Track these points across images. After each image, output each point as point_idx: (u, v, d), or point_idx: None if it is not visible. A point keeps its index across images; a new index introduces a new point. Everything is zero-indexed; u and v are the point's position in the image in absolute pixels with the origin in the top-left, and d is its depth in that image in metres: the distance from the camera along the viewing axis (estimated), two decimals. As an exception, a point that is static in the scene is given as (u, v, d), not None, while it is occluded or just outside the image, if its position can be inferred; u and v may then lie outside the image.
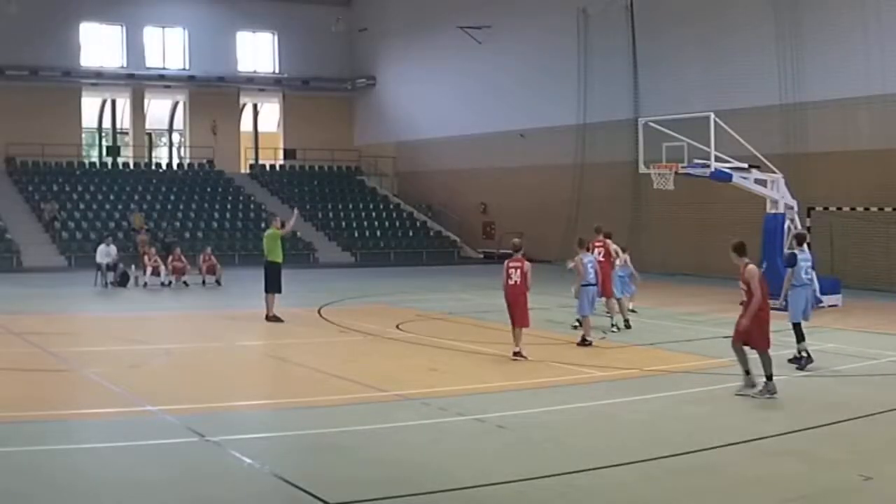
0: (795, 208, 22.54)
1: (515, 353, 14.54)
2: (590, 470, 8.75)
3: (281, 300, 20.54)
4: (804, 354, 14.25)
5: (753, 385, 11.99)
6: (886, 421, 10.86)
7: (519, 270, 14.70)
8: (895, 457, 9.52)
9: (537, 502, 8.06)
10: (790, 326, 17.49)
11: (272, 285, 19.32)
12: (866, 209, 26.12)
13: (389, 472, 8.64)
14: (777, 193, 22.25)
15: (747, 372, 12.00)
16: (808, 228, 24.46)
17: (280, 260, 19.60)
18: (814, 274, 15.17)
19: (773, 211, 22.19)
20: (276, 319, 19.04)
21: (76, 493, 8.05)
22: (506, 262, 15.00)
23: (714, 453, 9.33)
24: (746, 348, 12.14)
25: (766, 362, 11.98)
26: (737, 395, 11.98)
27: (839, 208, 26.37)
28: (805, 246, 15.21)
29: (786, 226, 22.13)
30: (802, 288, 14.77)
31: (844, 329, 18.75)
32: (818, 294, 21.77)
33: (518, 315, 14.63)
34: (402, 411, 11.16)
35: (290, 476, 8.40)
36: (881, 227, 26.16)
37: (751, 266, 12.16)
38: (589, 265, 16.54)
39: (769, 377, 11.91)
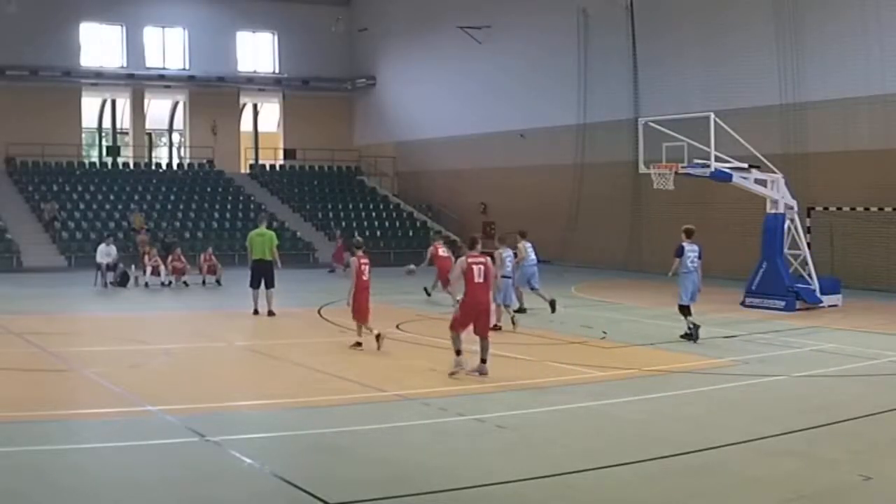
0: (795, 208, 22.53)
1: (377, 336, 15.35)
2: (590, 470, 8.75)
3: (281, 300, 20.62)
4: (693, 327, 16.51)
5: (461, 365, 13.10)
6: (886, 421, 10.86)
7: (369, 267, 15.86)
8: (895, 457, 9.53)
9: (537, 502, 8.06)
10: (782, 328, 17.70)
11: (268, 282, 20.17)
12: (866, 209, 26.11)
13: (389, 472, 8.64)
14: (777, 193, 22.24)
15: (458, 352, 13.07)
16: (809, 228, 24.49)
17: (270, 258, 20.52)
18: (699, 263, 17.10)
19: (773, 211, 22.18)
20: (268, 314, 19.96)
21: (76, 493, 8.05)
22: (359, 260, 15.85)
23: (714, 453, 9.33)
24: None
25: (455, 340, 13.12)
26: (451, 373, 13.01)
27: (839, 208, 26.37)
28: (692, 238, 17.19)
29: (786, 226, 22.13)
30: (689, 274, 16.90)
31: (844, 329, 18.75)
32: (818, 294, 21.94)
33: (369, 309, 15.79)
34: (402, 411, 11.17)
35: (290, 476, 8.40)
36: (881, 227, 26.15)
37: (460, 259, 13.51)
38: (507, 259, 18.39)
39: (483, 360, 13.14)
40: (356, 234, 31.64)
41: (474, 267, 13.10)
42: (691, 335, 16.51)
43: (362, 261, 15.90)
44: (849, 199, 26.29)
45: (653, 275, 28.16)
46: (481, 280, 13.11)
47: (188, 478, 8.52)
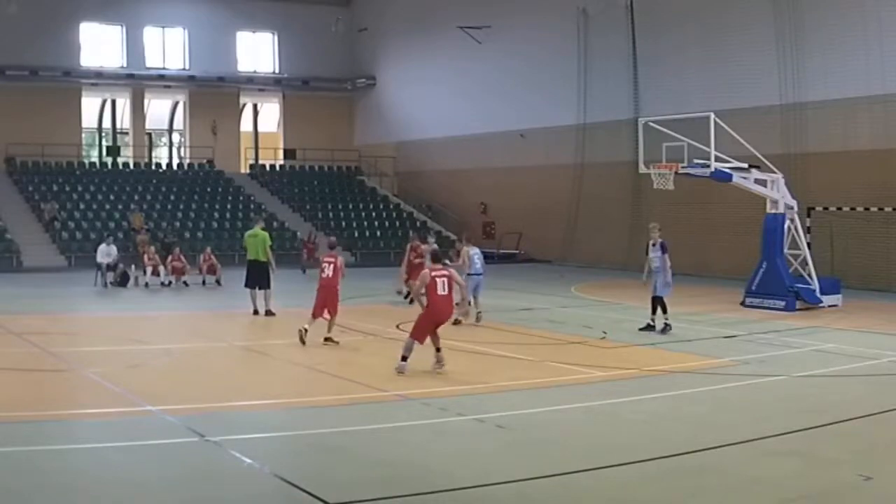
0: (795, 208, 22.53)
1: (327, 339, 16.00)
2: (590, 470, 8.75)
3: (281, 300, 20.66)
4: (653, 323, 17.73)
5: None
6: (886, 421, 10.86)
7: (332, 265, 16.35)
8: (895, 457, 9.53)
9: (537, 502, 8.06)
10: (783, 328, 17.71)
11: (263, 282, 20.32)
12: (866, 209, 26.11)
13: (389, 472, 8.64)
14: (777, 193, 22.24)
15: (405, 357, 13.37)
16: (809, 228, 24.49)
17: (269, 258, 20.65)
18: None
19: (773, 211, 22.17)
20: (266, 313, 20.07)
21: (76, 493, 8.05)
22: (322, 259, 16.71)
23: (714, 453, 9.33)
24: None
25: (408, 346, 13.47)
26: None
27: (839, 208, 26.37)
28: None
29: (786, 226, 22.13)
30: (668, 270, 17.82)
31: (844, 329, 18.75)
32: (818, 294, 21.95)
33: (332, 305, 16.21)
34: (402, 411, 11.17)
35: (290, 476, 8.40)
36: (881, 227, 26.16)
37: (423, 272, 14.00)
38: (475, 257, 19.27)
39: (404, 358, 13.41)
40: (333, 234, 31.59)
41: (438, 280, 13.46)
42: (653, 327, 17.70)
43: (325, 259, 16.53)
44: (849, 199, 26.29)
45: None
46: (445, 293, 13.46)
47: (188, 478, 8.52)
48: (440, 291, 13.43)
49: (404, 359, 13.38)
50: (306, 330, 15.92)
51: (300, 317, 20.52)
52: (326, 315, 16.38)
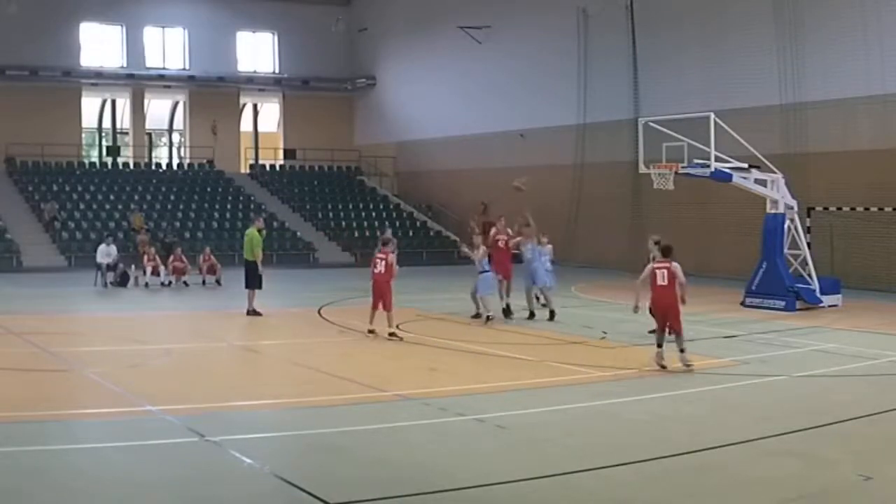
0: (795, 208, 22.52)
1: (390, 334, 16.37)
2: (590, 470, 8.75)
3: (281, 300, 20.68)
4: None
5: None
6: (886, 421, 10.86)
7: (384, 262, 16.78)
8: (895, 457, 9.53)
9: (537, 502, 8.06)
10: (783, 328, 17.68)
11: (252, 282, 20.29)
12: (866, 209, 26.09)
13: (389, 472, 8.64)
14: (777, 193, 22.23)
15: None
16: (809, 228, 24.47)
17: (256, 258, 20.52)
18: None
19: (773, 211, 22.17)
20: (255, 313, 19.91)
21: (76, 493, 8.05)
22: (376, 253, 17.21)
23: (714, 453, 9.33)
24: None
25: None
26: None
27: (839, 208, 26.35)
28: None
29: (786, 226, 22.13)
30: None
31: (844, 329, 18.74)
32: (818, 294, 21.95)
33: (385, 300, 16.56)
34: (402, 411, 11.16)
35: (290, 476, 8.40)
36: (881, 227, 26.13)
37: (648, 266, 14.36)
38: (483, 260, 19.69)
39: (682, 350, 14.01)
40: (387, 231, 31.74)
41: (657, 271, 14.02)
42: None
43: (378, 255, 17.05)
44: (849, 199, 26.27)
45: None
46: (664, 283, 13.92)
47: (188, 478, 8.52)
48: (659, 282, 13.94)
49: (682, 351, 13.87)
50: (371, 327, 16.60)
51: (300, 317, 20.61)
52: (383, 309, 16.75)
